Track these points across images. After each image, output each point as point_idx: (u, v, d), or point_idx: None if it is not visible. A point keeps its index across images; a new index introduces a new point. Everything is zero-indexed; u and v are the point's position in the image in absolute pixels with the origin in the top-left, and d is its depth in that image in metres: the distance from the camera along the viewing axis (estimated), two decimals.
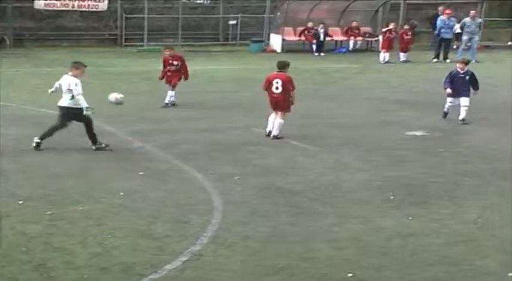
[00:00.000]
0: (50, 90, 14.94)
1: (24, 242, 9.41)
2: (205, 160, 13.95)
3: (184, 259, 8.97)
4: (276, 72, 15.99)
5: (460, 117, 17.91)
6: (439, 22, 33.68)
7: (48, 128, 14.54)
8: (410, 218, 10.71)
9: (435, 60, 33.11)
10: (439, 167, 13.81)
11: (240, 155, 14.46)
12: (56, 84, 14.69)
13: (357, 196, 11.84)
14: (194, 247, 9.36)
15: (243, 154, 14.60)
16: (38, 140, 14.40)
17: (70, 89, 14.27)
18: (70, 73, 14.45)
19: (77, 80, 14.29)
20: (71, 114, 14.39)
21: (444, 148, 15.38)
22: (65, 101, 14.40)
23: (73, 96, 14.25)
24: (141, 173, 12.88)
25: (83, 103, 14.27)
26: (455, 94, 17.90)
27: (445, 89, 18.08)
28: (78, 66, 14.57)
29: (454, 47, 34.25)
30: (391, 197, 11.70)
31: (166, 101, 19.66)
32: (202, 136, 16.06)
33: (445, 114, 18.28)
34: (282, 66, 15.99)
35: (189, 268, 8.73)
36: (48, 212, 10.58)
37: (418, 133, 16.88)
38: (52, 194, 11.49)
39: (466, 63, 18.35)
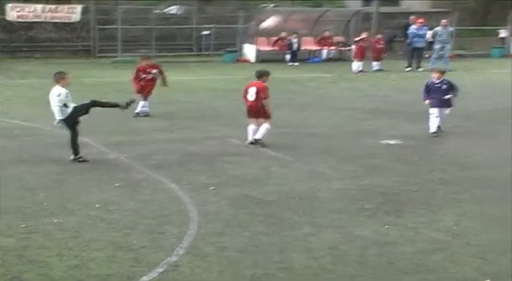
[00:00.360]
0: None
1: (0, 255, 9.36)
2: (181, 171, 13.93)
3: (161, 270, 8.94)
4: (254, 81, 16.22)
5: (434, 128, 17.66)
6: (411, 31, 33.93)
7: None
8: (386, 226, 10.75)
9: (408, 69, 33.38)
10: (414, 176, 13.88)
11: (216, 165, 14.45)
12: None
13: (333, 205, 11.86)
14: (170, 258, 9.33)
15: (218, 164, 14.59)
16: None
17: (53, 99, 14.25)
18: (58, 85, 14.30)
19: (61, 91, 14.17)
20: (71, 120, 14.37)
21: (418, 156, 15.46)
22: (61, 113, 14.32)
23: (65, 105, 14.19)
24: (117, 184, 12.84)
25: (56, 115, 14.24)
26: (436, 104, 17.57)
27: (424, 101, 17.91)
28: (63, 76, 14.39)
29: (427, 56, 34.48)
30: (367, 206, 11.74)
31: (137, 111, 19.58)
32: (177, 146, 16.04)
33: (436, 132, 17.64)
34: (260, 75, 16.27)
35: (166, 279, 8.71)
36: (23, 225, 10.50)
37: (392, 142, 16.96)
38: (27, 206, 11.42)
39: (442, 72, 18.13)
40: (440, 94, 17.61)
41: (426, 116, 17.85)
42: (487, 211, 11.60)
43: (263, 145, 15.93)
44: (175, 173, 13.66)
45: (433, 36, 33.75)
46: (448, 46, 33.96)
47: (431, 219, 11.15)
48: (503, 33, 42.22)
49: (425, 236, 10.37)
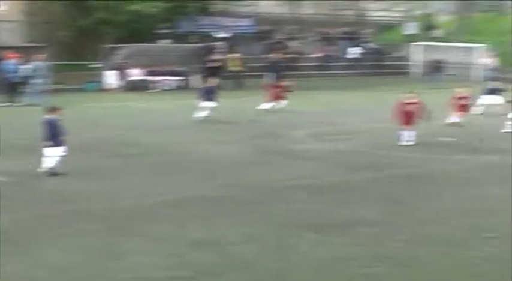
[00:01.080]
0: None
1: None
2: None
3: None
4: None
5: (50, 165, 17.27)
6: (5, 66, 33.60)
7: None
8: None
9: (5, 104, 32.84)
10: (21, 212, 13.82)
11: None
12: None
13: None
14: None
15: None
16: None
17: None
18: None
19: None
20: None
21: (24, 193, 15.46)
22: None
23: None
24: None
25: None
26: (55, 143, 17.22)
27: (44, 141, 17.29)
28: None
29: (24, 90, 34.03)
30: None
31: None
32: None
33: (51, 170, 17.20)
34: None
35: None
36: None
37: None
38: None
39: (55, 110, 17.80)
40: (60, 132, 17.39)
41: (36, 152, 17.53)
42: (92, 243, 11.89)
43: None
44: None
45: (29, 70, 33.61)
46: (46, 80, 34.01)
47: (39, 255, 11.20)
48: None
49: (29, 273, 10.38)
